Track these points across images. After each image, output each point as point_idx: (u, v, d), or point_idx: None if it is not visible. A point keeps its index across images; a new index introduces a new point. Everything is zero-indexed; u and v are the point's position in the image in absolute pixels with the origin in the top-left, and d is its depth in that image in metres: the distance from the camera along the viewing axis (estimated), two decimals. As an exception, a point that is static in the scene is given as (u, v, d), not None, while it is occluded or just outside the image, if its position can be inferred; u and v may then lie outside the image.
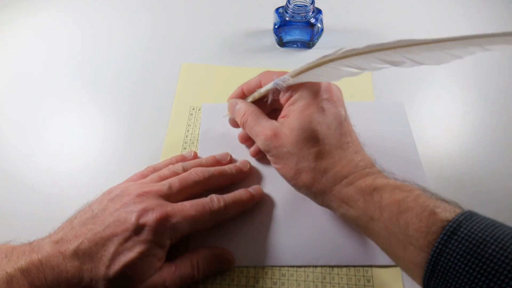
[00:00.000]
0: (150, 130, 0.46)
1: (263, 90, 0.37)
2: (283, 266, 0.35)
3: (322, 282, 0.34)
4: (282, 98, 0.36)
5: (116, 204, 0.31)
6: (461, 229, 0.24)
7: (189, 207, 0.32)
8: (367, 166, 0.32)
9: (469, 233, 0.24)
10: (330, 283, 0.34)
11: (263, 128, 0.35)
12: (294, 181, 0.34)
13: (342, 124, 0.34)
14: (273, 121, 0.36)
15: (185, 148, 0.44)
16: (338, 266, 0.35)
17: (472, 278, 0.23)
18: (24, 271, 0.27)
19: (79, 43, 0.57)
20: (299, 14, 0.51)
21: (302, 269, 0.35)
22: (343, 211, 0.31)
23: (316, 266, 0.35)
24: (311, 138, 0.32)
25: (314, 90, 0.34)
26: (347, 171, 0.31)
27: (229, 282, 0.35)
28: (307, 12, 0.51)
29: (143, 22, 0.61)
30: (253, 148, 0.42)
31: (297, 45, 0.55)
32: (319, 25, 0.54)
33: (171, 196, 0.34)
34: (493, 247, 0.23)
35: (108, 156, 0.44)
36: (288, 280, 0.35)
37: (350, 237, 0.36)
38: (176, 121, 0.47)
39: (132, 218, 0.30)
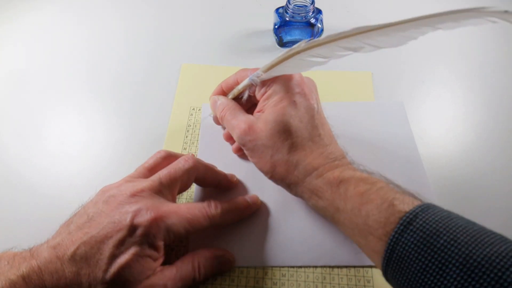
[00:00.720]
0: (150, 130, 0.46)
1: (240, 86, 0.39)
2: (283, 267, 0.35)
3: (322, 283, 0.34)
4: (258, 93, 0.37)
5: (110, 205, 0.31)
6: (417, 220, 0.26)
7: (185, 209, 0.32)
8: (337, 158, 0.33)
9: (424, 224, 0.25)
10: (330, 283, 0.34)
11: (239, 121, 0.36)
12: (270, 174, 0.35)
13: (314, 117, 0.35)
14: (249, 116, 0.37)
15: (185, 149, 0.44)
16: (338, 267, 0.35)
17: (424, 267, 0.24)
18: (26, 278, 0.27)
19: (79, 43, 0.57)
20: (299, 14, 0.51)
21: (302, 269, 0.35)
22: (313, 201, 0.33)
23: (316, 267, 0.35)
24: (284, 131, 0.34)
25: (286, 85, 0.35)
26: (317, 163, 0.33)
27: (229, 283, 0.35)
28: (307, 12, 0.51)
29: (143, 23, 0.61)
30: (235, 144, 0.43)
31: (297, 45, 0.55)
32: (319, 25, 0.53)
33: (163, 189, 0.33)
34: (445, 237, 0.24)
35: (108, 156, 0.44)
36: (288, 280, 0.35)
37: (350, 237, 0.36)
38: (176, 121, 0.47)
39: (127, 219, 0.30)
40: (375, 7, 0.62)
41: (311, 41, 0.33)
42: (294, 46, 0.34)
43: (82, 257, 0.28)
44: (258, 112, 0.37)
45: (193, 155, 0.36)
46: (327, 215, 0.33)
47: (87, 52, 0.56)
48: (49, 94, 0.50)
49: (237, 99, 0.40)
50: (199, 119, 0.47)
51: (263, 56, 0.54)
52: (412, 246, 0.25)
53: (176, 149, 0.44)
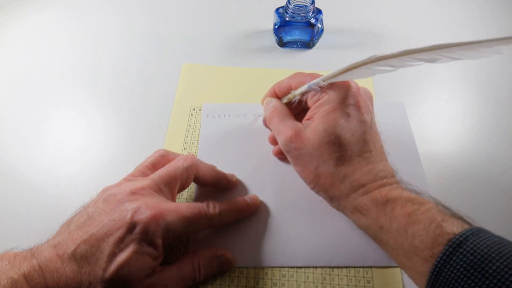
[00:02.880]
0: (151, 130, 0.46)
1: (297, 92, 0.37)
2: (283, 267, 0.35)
3: (322, 283, 0.34)
4: (310, 100, 0.36)
5: (110, 204, 0.31)
6: (467, 243, 0.25)
7: (184, 208, 0.32)
8: (386, 177, 0.32)
9: (475, 248, 0.24)
10: (330, 284, 0.34)
11: (286, 127, 0.35)
12: (312, 184, 0.34)
13: (366, 132, 0.33)
14: (297, 123, 0.36)
15: (185, 149, 0.44)
16: (338, 267, 0.35)
17: None
18: (27, 276, 0.27)
19: (79, 43, 0.57)
20: (299, 14, 0.51)
21: (302, 270, 0.35)
22: (355, 217, 0.32)
23: (316, 267, 0.35)
24: (334, 143, 0.33)
25: (341, 94, 0.34)
26: (365, 180, 0.32)
27: (229, 283, 0.35)
28: (307, 12, 0.51)
29: (144, 23, 0.61)
30: (276, 147, 0.42)
31: (297, 45, 0.55)
32: (319, 25, 0.53)
33: (163, 187, 0.33)
34: (497, 263, 0.23)
35: (109, 156, 0.44)
36: (288, 281, 0.35)
37: (350, 238, 0.36)
38: (177, 121, 0.47)
39: (126, 216, 0.30)
40: (375, 7, 0.62)
41: (384, 54, 0.31)
42: (364, 59, 0.32)
43: (83, 255, 0.28)
44: (308, 120, 0.35)
45: (193, 155, 0.36)
46: (369, 232, 0.32)
47: (88, 52, 0.56)
48: (49, 95, 0.50)
49: (290, 104, 0.39)
50: (200, 119, 0.47)
51: (263, 56, 0.54)
52: (461, 269, 0.24)
53: (176, 149, 0.44)
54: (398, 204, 0.29)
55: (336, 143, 0.33)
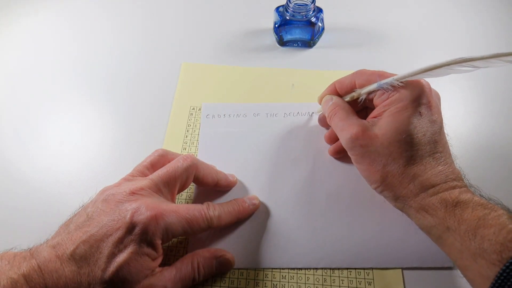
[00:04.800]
0: (150, 130, 0.46)
1: (364, 91, 0.36)
2: (283, 269, 0.35)
3: (322, 285, 0.34)
4: (378, 98, 0.35)
5: (109, 204, 0.31)
6: None
7: (184, 209, 0.32)
8: (455, 179, 0.32)
9: None
10: (331, 285, 0.34)
11: (350, 124, 0.35)
12: (377, 183, 0.34)
13: (437, 133, 0.33)
14: (362, 120, 0.35)
15: (185, 149, 0.44)
16: (338, 269, 0.35)
17: None
18: (27, 277, 0.27)
19: (78, 42, 0.57)
20: (299, 13, 0.51)
21: (303, 271, 0.35)
22: (420, 217, 0.32)
23: (316, 269, 0.35)
24: (405, 142, 0.32)
25: (414, 93, 0.33)
26: (435, 180, 0.31)
27: (229, 285, 0.34)
28: (308, 11, 0.50)
29: (143, 22, 0.60)
30: (334, 146, 0.41)
31: (298, 44, 0.55)
32: (320, 24, 0.53)
33: (163, 188, 0.33)
34: None
35: (108, 156, 0.44)
36: (288, 282, 0.34)
37: (351, 239, 0.36)
38: (176, 120, 0.46)
39: (126, 217, 0.29)
40: (375, 6, 0.61)
41: (473, 57, 0.30)
42: (448, 60, 0.31)
43: (82, 256, 0.28)
44: (374, 117, 0.35)
45: (192, 155, 0.36)
46: (433, 233, 0.31)
47: (86, 52, 0.55)
48: (48, 95, 0.50)
49: (352, 102, 0.38)
50: (199, 118, 0.46)
51: (263, 55, 0.54)
52: None
53: (176, 149, 0.44)
54: (468, 207, 0.29)
55: (407, 142, 0.32)
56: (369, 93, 0.36)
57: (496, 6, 0.60)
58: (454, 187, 0.31)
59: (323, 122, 0.42)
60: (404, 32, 0.57)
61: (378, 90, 0.35)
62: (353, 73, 0.38)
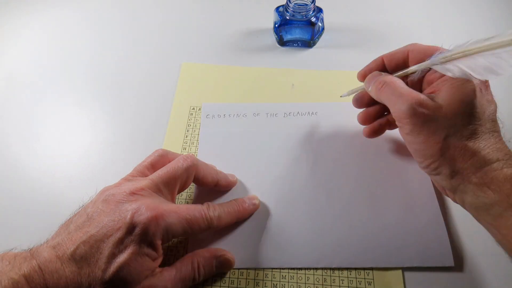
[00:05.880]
0: (150, 130, 0.46)
1: (414, 68, 0.35)
2: (283, 268, 0.35)
3: (322, 285, 0.34)
4: (431, 75, 0.34)
5: (110, 204, 0.31)
6: None
7: (184, 209, 0.32)
8: None
9: None
10: (331, 285, 0.34)
11: (410, 91, 0.33)
12: (434, 157, 0.32)
13: (494, 112, 0.32)
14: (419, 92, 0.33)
15: (184, 149, 0.44)
16: (339, 269, 0.35)
17: None
18: (27, 277, 0.27)
19: (78, 42, 0.57)
20: (299, 13, 0.51)
21: (303, 271, 0.35)
22: (480, 194, 0.30)
23: (316, 269, 0.35)
24: (470, 114, 0.31)
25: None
26: (498, 156, 0.30)
27: (229, 285, 0.34)
28: (308, 11, 0.50)
29: (143, 22, 0.60)
30: (371, 126, 0.40)
31: (298, 44, 0.55)
32: (320, 24, 0.53)
33: (163, 188, 0.33)
34: None
35: (108, 156, 0.44)
36: (288, 282, 0.34)
37: (351, 239, 0.36)
38: (176, 120, 0.46)
39: (126, 217, 0.29)
40: (376, 6, 0.61)
41: None
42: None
43: (82, 256, 0.28)
44: (432, 92, 0.33)
45: (193, 155, 0.36)
46: (493, 212, 0.30)
47: (86, 52, 0.55)
48: (48, 94, 0.50)
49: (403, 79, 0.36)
50: (199, 118, 0.46)
51: (263, 55, 0.54)
52: None
53: (176, 149, 0.43)
54: None
55: (472, 114, 0.31)
56: (419, 71, 0.34)
57: (497, 6, 0.60)
58: None
59: (360, 101, 0.40)
60: (404, 32, 0.57)
61: (431, 67, 0.33)
62: (405, 46, 0.36)
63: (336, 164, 0.41)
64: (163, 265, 0.32)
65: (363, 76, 0.39)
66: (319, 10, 0.52)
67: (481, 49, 0.30)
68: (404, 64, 0.36)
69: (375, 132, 0.40)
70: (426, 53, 0.34)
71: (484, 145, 0.31)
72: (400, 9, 0.61)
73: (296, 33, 0.53)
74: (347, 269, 0.35)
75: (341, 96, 0.43)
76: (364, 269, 0.35)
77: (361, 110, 0.41)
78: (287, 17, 0.51)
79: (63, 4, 0.63)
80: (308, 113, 0.46)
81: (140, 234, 0.29)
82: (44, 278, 0.27)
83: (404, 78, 0.36)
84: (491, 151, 0.30)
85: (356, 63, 0.52)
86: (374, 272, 0.35)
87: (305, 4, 0.50)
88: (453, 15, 0.60)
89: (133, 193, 0.31)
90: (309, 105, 0.46)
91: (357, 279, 0.34)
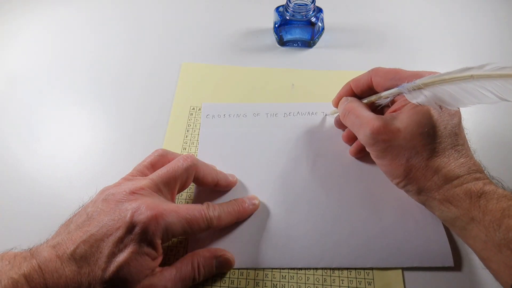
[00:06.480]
0: (150, 130, 0.46)
1: (384, 94, 0.36)
2: (283, 269, 0.35)
3: (322, 285, 0.34)
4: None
5: (109, 203, 0.31)
6: None
7: (184, 209, 0.32)
8: (478, 171, 0.32)
9: None
10: (331, 285, 0.34)
11: (369, 119, 0.34)
12: (401, 177, 0.33)
13: (457, 126, 0.33)
14: (380, 115, 0.35)
15: (184, 149, 0.44)
16: (339, 269, 0.35)
17: None
18: (27, 277, 0.27)
19: (78, 42, 0.57)
20: (299, 13, 0.51)
21: (303, 271, 0.35)
22: (443, 209, 0.32)
23: (316, 269, 0.35)
24: (428, 135, 0.32)
25: None
26: (459, 172, 0.31)
27: (229, 285, 0.34)
28: (308, 11, 0.50)
29: (143, 22, 0.60)
30: (354, 146, 0.41)
31: (298, 44, 0.55)
32: (320, 24, 0.53)
33: (163, 188, 0.33)
34: None
35: (108, 156, 0.44)
36: (288, 282, 0.34)
37: (351, 239, 0.36)
38: (176, 120, 0.46)
39: (126, 216, 0.29)
40: (376, 6, 0.61)
41: (504, 67, 0.29)
42: (474, 66, 0.31)
43: (82, 256, 0.28)
44: (393, 111, 0.35)
45: (192, 155, 0.36)
46: (457, 224, 0.31)
47: (86, 52, 0.55)
48: (48, 94, 0.50)
49: (371, 105, 0.38)
50: (199, 118, 0.46)
51: (263, 55, 0.54)
52: None
53: (176, 149, 0.43)
54: (493, 198, 0.29)
55: (430, 134, 0.32)
56: (394, 96, 0.35)
57: (495, 6, 0.60)
58: (477, 179, 0.31)
59: (340, 123, 0.42)
60: (404, 32, 0.57)
61: (399, 94, 0.34)
62: (369, 71, 0.38)
63: (336, 164, 0.41)
64: (163, 265, 0.32)
65: (336, 103, 0.41)
66: (319, 10, 0.52)
67: (445, 80, 0.31)
68: (369, 88, 0.38)
69: (360, 151, 0.41)
70: (387, 76, 0.35)
71: (446, 162, 0.32)
72: (400, 9, 0.61)
73: (296, 33, 0.53)
74: (347, 269, 0.35)
75: (325, 115, 0.45)
76: (364, 269, 0.35)
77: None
78: (287, 17, 0.52)
79: (63, 4, 0.63)
80: (308, 113, 0.46)
81: (140, 233, 0.29)
82: (44, 278, 0.27)
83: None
84: (453, 167, 0.32)
85: (356, 63, 0.52)
86: (374, 272, 0.35)
87: (305, 4, 0.50)
88: (453, 15, 0.60)
89: (133, 193, 0.31)
90: (309, 105, 0.46)
91: (357, 279, 0.34)
